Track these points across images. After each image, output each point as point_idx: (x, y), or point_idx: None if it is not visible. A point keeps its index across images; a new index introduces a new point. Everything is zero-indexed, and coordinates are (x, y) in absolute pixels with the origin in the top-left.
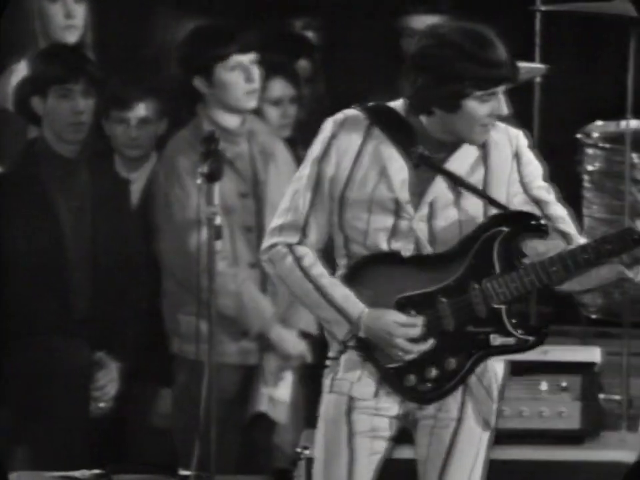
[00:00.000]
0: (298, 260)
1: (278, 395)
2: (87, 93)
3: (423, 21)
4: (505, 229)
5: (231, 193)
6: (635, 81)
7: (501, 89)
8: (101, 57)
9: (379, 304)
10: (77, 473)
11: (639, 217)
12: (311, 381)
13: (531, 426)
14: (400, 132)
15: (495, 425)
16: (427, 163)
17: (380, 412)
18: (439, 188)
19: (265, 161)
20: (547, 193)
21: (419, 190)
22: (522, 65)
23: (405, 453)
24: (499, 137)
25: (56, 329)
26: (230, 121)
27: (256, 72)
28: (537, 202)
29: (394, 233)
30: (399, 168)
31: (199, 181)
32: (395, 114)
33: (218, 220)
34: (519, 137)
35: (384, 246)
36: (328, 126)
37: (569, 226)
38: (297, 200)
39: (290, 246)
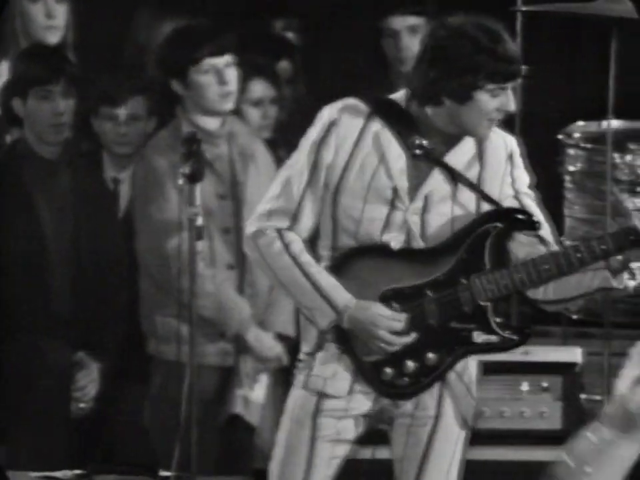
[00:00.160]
0: (287, 245)
1: (253, 396)
2: (67, 93)
3: (404, 22)
4: (498, 224)
5: (210, 194)
6: (616, 82)
7: (510, 85)
8: (82, 57)
9: (365, 295)
10: (58, 473)
11: (621, 216)
12: (287, 383)
13: (512, 426)
14: (400, 122)
15: (473, 424)
16: (426, 153)
17: (349, 412)
18: (436, 181)
19: (244, 162)
20: (530, 200)
21: (416, 182)
22: None
23: (382, 453)
24: (496, 138)
25: (37, 329)
26: (209, 122)
27: (231, 74)
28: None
29: (387, 224)
30: (397, 156)
31: (180, 182)
32: (395, 104)
33: (199, 221)
34: (513, 143)
35: (376, 236)
36: (326, 113)
37: (547, 234)
38: (290, 185)
39: (279, 231)
